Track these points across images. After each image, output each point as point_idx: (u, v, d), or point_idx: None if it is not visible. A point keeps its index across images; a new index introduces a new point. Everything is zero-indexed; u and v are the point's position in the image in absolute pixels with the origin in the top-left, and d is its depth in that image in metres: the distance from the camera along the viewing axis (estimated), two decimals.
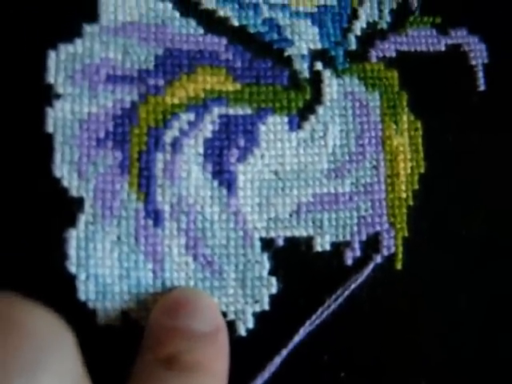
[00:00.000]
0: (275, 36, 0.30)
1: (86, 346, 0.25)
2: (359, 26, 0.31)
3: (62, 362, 0.20)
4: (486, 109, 0.31)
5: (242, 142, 0.28)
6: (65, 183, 0.27)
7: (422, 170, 0.30)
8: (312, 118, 0.29)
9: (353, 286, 0.28)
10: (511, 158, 0.31)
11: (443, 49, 0.31)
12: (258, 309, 0.28)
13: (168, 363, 0.24)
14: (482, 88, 0.31)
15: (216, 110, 0.28)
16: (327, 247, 0.28)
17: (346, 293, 0.28)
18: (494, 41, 0.32)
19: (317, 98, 0.30)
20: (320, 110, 0.30)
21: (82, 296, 0.26)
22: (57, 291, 0.26)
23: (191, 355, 0.24)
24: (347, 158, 0.29)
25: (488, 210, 0.30)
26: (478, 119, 0.31)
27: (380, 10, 0.31)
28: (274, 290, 0.28)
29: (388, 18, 0.31)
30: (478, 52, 0.32)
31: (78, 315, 0.26)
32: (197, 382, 0.24)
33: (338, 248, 0.29)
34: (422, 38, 0.31)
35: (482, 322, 0.29)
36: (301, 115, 0.29)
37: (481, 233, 0.30)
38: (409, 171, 0.30)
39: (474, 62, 0.31)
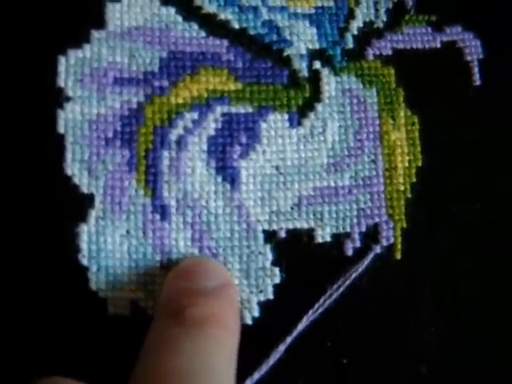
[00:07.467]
0: (274, 37, 0.31)
1: (97, 334, 0.27)
2: (356, 25, 0.32)
3: None
4: (482, 103, 0.32)
5: (244, 139, 0.30)
6: (76, 181, 0.28)
7: (420, 163, 0.31)
8: (311, 114, 0.30)
9: (353, 276, 0.29)
10: (506, 151, 0.32)
11: (439, 46, 0.32)
12: (262, 298, 0.28)
13: (174, 318, 0.24)
14: (477, 83, 0.32)
15: (219, 109, 0.30)
16: (328, 238, 0.29)
17: (347, 282, 0.29)
18: (488, 36, 0.32)
19: (316, 95, 0.31)
20: (319, 107, 0.30)
21: (93, 286, 0.27)
22: (70, 282, 0.27)
23: (197, 309, 0.24)
24: (346, 152, 0.30)
25: (484, 201, 0.31)
26: (474, 113, 0.32)
27: (376, 10, 0.32)
28: (277, 280, 0.29)
29: (384, 17, 0.32)
30: (472, 48, 0.32)
31: (89, 304, 0.27)
32: (206, 335, 0.24)
33: (339, 239, 0.29)
34: (418, 36, 0.32)
35: (481, 308, 0.30)
36: (300, 112, 0.30)
37: (477, 223, 0.30)
38: (406, 164, 0.31)
39: (469, 58, 0.32)
